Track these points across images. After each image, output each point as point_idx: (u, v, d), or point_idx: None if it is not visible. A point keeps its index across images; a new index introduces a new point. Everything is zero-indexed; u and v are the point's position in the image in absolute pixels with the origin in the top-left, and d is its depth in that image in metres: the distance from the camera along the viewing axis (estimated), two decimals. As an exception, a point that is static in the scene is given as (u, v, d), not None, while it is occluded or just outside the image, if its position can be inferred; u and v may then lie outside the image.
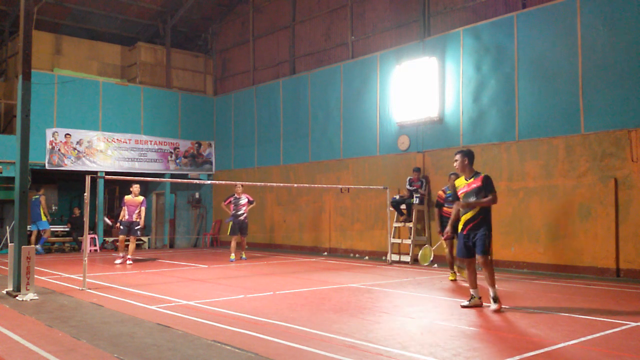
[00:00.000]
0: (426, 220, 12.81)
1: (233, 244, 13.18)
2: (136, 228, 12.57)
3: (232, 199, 13.37)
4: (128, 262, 12.31)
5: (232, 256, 13.12)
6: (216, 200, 19.22)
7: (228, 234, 13.44)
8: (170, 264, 12.59)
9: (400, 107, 13.42)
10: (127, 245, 12.85)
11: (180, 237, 18.71)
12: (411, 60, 13.19)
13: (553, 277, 9.92)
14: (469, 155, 6.86)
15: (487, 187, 6.61)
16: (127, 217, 12.61)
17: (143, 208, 12.78)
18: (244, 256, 13.58)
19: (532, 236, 10.89)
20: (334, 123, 15.31)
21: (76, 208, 16.97)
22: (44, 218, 15.35)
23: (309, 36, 16.64)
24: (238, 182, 13.24)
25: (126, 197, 12.87)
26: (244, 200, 13.29)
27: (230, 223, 13.24)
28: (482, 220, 6.61)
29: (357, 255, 14.33)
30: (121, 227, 12.67)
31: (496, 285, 6.69)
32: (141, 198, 12.81)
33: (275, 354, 4.58)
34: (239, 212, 13.18)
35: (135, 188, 12.73)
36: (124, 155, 17.17)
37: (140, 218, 12.67)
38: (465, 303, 6.77)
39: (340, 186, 13.16)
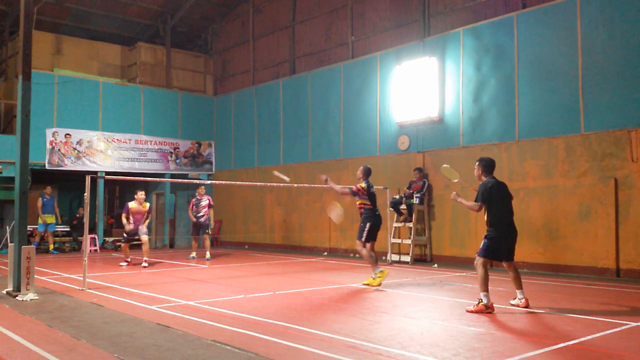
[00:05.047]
0: (426, 221, 12.81)
1: (194, 243, 13.98)
2: (145, 230, 12.07)
3: (194, 200, 13.85)
4: (143, 264, 11.65)
5: (193, 254, 13.77)
6: (216, 200, 19.19)
7: (191, 234, 14.38)
8: (170, 264, 12.58)
9: (400, 107, 13.42)
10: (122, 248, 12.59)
11: (180, 237, 18.71)
12: (411, 60, 13.19)
13: (553, 277, 9.92)
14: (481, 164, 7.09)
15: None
16: (132, 226, 11.90)
17: (150, 215, 12.31)
18: (208, 256, 13.51)
19: (532, 236, 10.89)
20: (334, 123, 15.31)
21: (81, 208, 16.94)
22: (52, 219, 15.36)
23: (309, 36, 16.64)
24: (202, 183, 13.01)
25: (131, 205, 11.94)
26: (205, 201, 13.68)
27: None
28: None
29: (357, 255, 14.32)
30: (125, 235, 12.07)
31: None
32: (148, 206, 12.12)
33: (275, 354, 4.58)
34: (200, 214, 13.63)
35: (141, 195, 11.96)
36: (124, 155, 17.17)
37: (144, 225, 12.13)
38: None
39: (340, 186, 13.13)
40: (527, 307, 6.63)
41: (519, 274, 6.82)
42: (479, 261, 6.57)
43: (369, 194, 8.86)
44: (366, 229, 8.73)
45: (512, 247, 6.77)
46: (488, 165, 6.96)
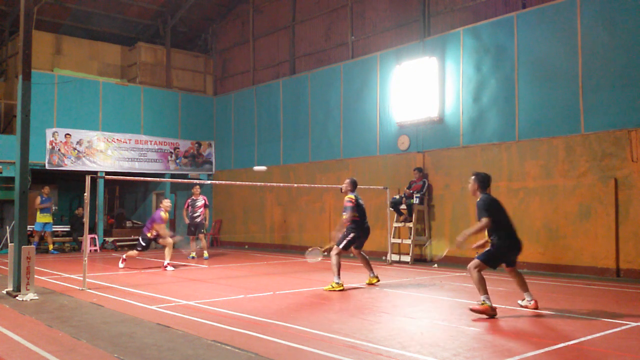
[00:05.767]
0: (426, 221, 12.81)
1: (192, 243, 13.95)
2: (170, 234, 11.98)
3: (189, 200, 13.88)
4: (169, 267, 11.35)
5: (193, 254, 13.83)
6: (216, 200, 19.22)
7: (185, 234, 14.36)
8: (174, 264, 12.57)
9: (400, 107, 13.42)
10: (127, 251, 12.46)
11: (180, 237, 18.69)
12: (411, 60, 13.18)
13: (553, 277, 9.92)
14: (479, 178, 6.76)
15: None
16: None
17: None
18: (206, 255, 13.59)
19: (532, 236, 10.88)
20: (334, 123, 15.31)
21: (80, 208, 16.95)
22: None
23: (309, 36, 16.64)
24: (202, 183, 12.90)
25: (163, 215, 11.70)
26: (200, 202, 13.72)
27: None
28: None
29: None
30: (144, 244, 11.71)
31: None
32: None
33: (275, 354, 4.58)
34: (195, 214, 13.68)
35: (167, 204, 11.88)
36: (124, 155, 17.17)
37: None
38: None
39: (340, 186, 13.12)
40: (536, 308, 6.53)
41: (522, 276, 6.73)
42: (473, 264, 6.32)
43: (357, 206, 8.74)
44: (348, 238, 8.56)
45: (515, 258, 6.64)
46: (485, 181, 6.70)
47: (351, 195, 8.82)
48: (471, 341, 5.07)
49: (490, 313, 6.12)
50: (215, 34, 20.08)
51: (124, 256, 11.87)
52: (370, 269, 8.87)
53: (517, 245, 6.56)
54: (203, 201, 13.79)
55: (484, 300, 6.16)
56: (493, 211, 6.43)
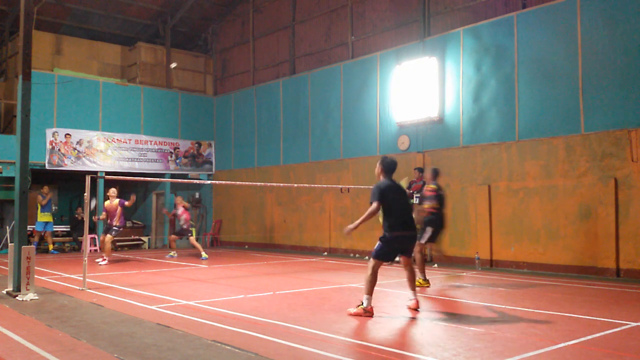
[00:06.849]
0: (426, 220, 12.80)
1: (172, 244, 14.64)
2: (113, 228, 12.79)
3: (174, 211, 14.46)
4: (102, 261, 12.37)
5: (172, 253, 14.33)
6: (216, 200, 19.22)
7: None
8: (170, 264, 12.59)
9: (400, 107, 13.42)
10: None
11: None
12: (411, 60, 13.19)
13: (553, 277, 9.92)
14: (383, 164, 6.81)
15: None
16: (108, 220, 12.87)
17: (119, 209, 12.81)
18: (205, 256, 13.70)
19: (532, 236, 10.89)
20: (334, 123, 15.31)
21: (80, 208, 16.94)
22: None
23: (309, 36, 16.64)
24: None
25: (105, 203, 13.01)
26: (180, 210, 14.13)
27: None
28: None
29: (357, 255, 14.32)
30: (104, 226, 13.00)
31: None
32: (117, 201, 12.78)
33: (275, 354, 4.58)
34: (180, 222, 14.20)
35: (112, 192, 12.87)
36: (124, 155, 17.17)
37: (120, 222, 12.84)
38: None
39: (340, 186, 13.15)
40: (417, 308, 6.46)
41: (414, 274, 6.72)
42: (370, 263, 6.35)
43: (438, 196, 8.84)
44: (428, 233, 8.70)
45: (408, 246, 6.57)
46: (389, 166, 6.72)
47: (432, 185, 8.91)
48: (471, 341, 5.07)
49: (364, 315, 6.11)
50: (215, 34, 20.08)
51: (102, 261, 12.43)
52: (423, 272, 8.77)
53: (408, 234, 6.47)
54: (182, 208, 14.07)
55: (361, 302, 6.20)
56: (385, 197, 6.39)
